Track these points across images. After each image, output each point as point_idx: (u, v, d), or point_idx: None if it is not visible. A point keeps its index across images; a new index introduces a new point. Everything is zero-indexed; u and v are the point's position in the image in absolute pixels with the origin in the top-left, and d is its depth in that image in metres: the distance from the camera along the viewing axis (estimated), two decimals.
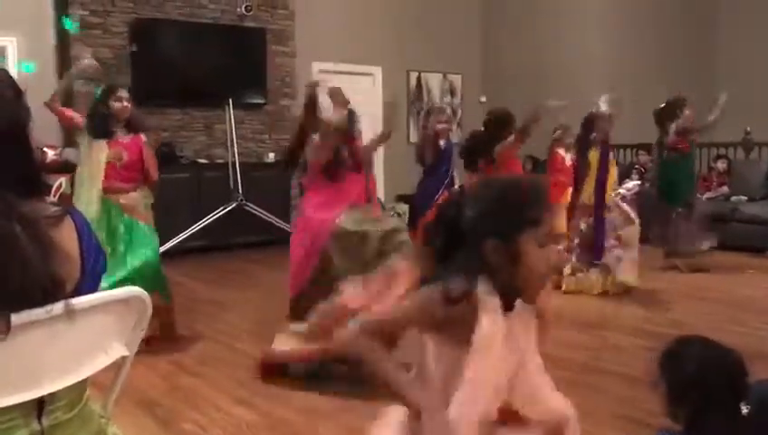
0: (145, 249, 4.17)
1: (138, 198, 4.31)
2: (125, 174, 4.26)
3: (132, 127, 4.32)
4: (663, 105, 6.72)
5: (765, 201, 7.81)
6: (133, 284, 3.98)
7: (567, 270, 5.72)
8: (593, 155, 5.73)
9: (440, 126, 6.03)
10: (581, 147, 5.89)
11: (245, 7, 8.41)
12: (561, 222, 6.58)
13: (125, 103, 4.26)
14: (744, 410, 1.66)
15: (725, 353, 1.76)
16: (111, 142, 4.22)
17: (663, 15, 9.62)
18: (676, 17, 9.77)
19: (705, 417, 1.68)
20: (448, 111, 7.46)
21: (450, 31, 10.33)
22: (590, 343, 4.36)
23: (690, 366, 1.74)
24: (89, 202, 4.12)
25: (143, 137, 4.36)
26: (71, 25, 7.26)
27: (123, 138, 4.28)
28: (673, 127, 6.49)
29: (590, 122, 5.78)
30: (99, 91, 4.34)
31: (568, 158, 6.80)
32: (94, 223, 3.96)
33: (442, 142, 6.09)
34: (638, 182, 7.04)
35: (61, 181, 7.04)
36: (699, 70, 10.09)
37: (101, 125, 4.21)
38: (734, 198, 7.95)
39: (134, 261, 4.10)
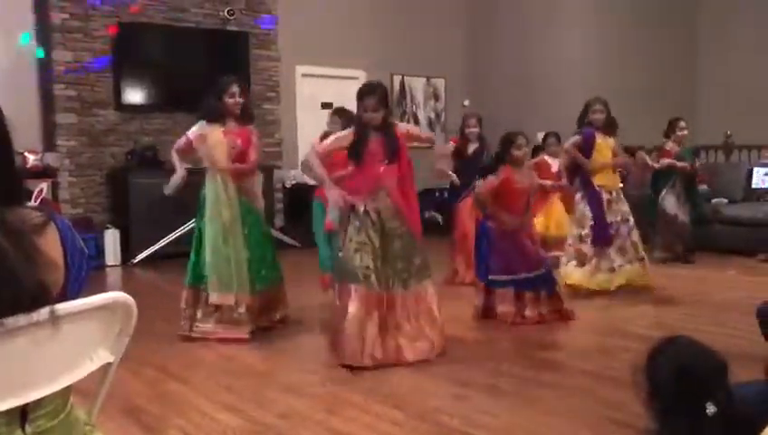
0: (262, 237, 4.65)
1: (253, 182, 4.68)
2: (239, 161, 4.56)
3: (243, 119, 4.62)
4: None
5: (746, 203, 7.90)
6: (257, 271, 4.51)
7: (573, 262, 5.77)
8: (602, 144, 5.73)
9: (467, 130, 6.23)
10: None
11: (228, 11, 8.39)
12: (561, 227, 6.71)
13: (237, 99, 4.53)
14: (711, 410, 1.66)
15: (703, 354, 1.77)
16: (225, 131, 4.52)
17: (645, 20, 9.71)
18: (658, 22, 9.86)
19: (671, 416, 1.70)
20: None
21: (434, 34, 10.36)
22: (577, 345, 4.38)
23: (664, 366, 1.75)
24: (213, 185, 4.51)
25: (252, 128, 4.71)
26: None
27: (235, 128, 4.58)
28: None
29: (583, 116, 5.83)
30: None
31: (555, 165, 6.88)
32: (216, 205, 4.45)
33: (471, 147, 6.26)
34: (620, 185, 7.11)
35: (42, 186, 6.98)
36: (681, 74, 10.19)
37: (214, 114, 4.54)
38: (714, 201, 8.03)
39: (255, 250, 4.55)
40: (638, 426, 1.88)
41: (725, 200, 8.00)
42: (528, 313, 4.83)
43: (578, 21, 9.59)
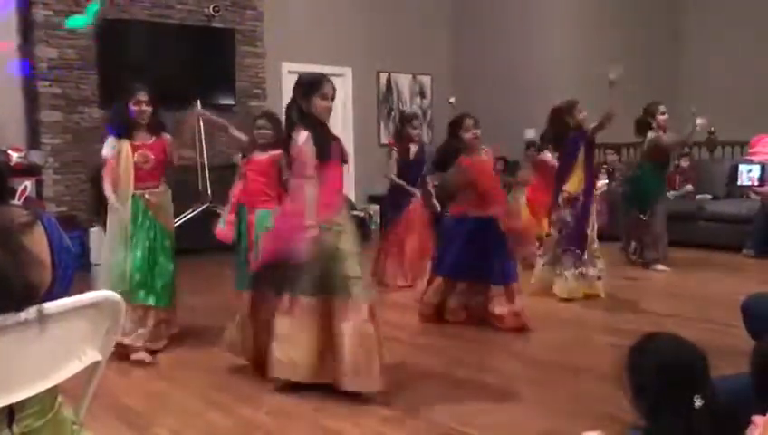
0: (166, 262, 4.30)
1: (163, 196, 4.31)
2: (152, 174, 4.22)
3: (154, 129, 4.25)
4: (641, 115, 6.65)
5: (729, 199, 7.98)
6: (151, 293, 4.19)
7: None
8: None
9: (413, 132, 6.12)
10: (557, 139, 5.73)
11: (213, 8, 8.35)
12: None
13: (143, 107, 4.18)
14: (698, 403, 1.68)
15: (685, 349, 1.79)
16: (136, 145, 4.15)
17: (629, 17, 9.77)
18: (641, 21, 9.92)
19: (660, 411, 1.71)
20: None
21: (420, 32, 10.36)
22: (563, 342, 4.40)
23: (648, 362, 1.77)
24: (124, 200, 4.14)
25: (167, 137, 4.30)
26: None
27: (147, 140, 4.20)
28: (650, 136, 6.42)
29: (562, 113, 5.59)
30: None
31: (556, 162, 6.84)
32: (126, 221, 4.11)
33: (413, 149, 6.13)
34: (606, 181, 7.15)
35: (26, 184, 6.92)
36: (665, 71, 10.26)
37: (121, 126, 4.20)
38: (698, 197, 8.10)
39: (156, 277, 4.23)
40: (626, 420, 1.89)
41: (709, 196, 8.08)
42: (452, 304, 4.69)
43: (562, 18, 9.63)
